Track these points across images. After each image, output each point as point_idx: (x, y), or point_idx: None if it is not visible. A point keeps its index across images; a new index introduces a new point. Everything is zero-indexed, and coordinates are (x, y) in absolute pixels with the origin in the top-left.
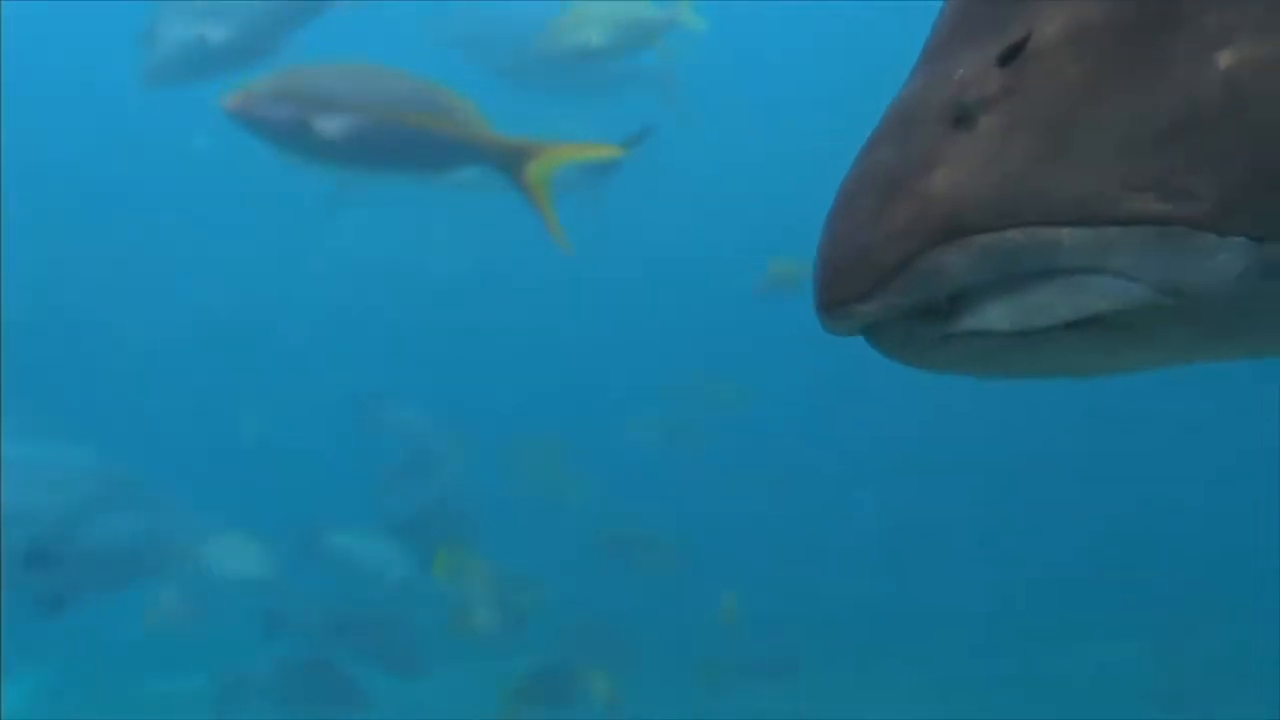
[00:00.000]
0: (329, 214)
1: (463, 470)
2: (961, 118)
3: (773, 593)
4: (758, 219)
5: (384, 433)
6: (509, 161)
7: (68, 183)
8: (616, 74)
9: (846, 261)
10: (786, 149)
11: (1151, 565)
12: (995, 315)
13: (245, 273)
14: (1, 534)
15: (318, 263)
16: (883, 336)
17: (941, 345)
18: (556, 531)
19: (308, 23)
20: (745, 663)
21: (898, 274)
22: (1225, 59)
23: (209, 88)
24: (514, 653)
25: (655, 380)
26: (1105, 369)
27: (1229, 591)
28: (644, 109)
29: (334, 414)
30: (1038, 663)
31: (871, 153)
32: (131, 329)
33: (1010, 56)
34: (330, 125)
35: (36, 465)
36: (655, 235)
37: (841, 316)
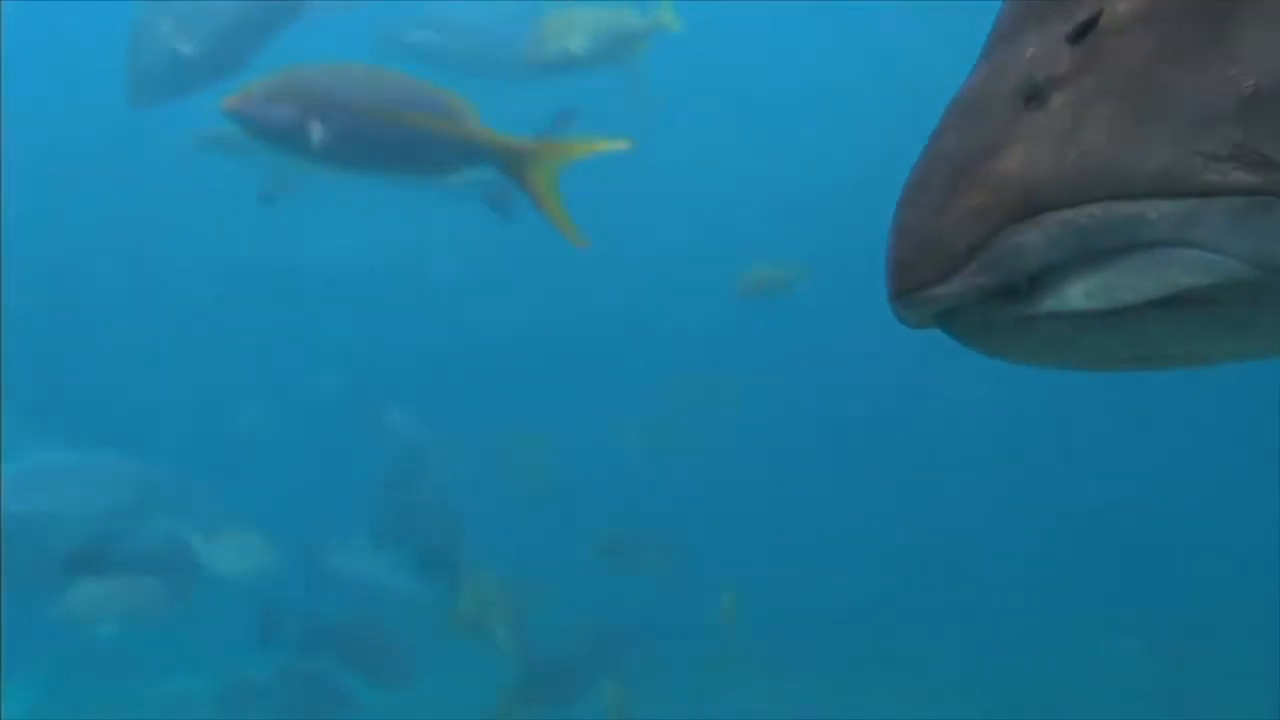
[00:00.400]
0: (269, 209)
1: (459, 473)
2: (1034, 96)
3: (773, 593)
4: (756, 217)
5: (379, 437)
6: (513, 162)
7: (67, 183)
8: (593, 74)
9: (919, 248)
10: (784, 148)
11: (1153, 565)
12: (1077, 294)
13: (242, 273)
14: (1, 535)
15: (313, 264)
16: (961, 323)
17: (1023, 331)
18: (554, 533)
19: (282, 30)
20: (745, 663)
21: (975, 255)
22: None
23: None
24: (513, 655)
25: (653, 380)
26: (1191, 356)
27: (1231, 591)
28: (627, 108)
29: (329, 417)
30: (1038, 662)
31: (938, 140)
32: (130, 329)
33: (1082, 34)
34: (329, 126)
35: (59, 470)
36: (655, 234)
37: (918, 303)
